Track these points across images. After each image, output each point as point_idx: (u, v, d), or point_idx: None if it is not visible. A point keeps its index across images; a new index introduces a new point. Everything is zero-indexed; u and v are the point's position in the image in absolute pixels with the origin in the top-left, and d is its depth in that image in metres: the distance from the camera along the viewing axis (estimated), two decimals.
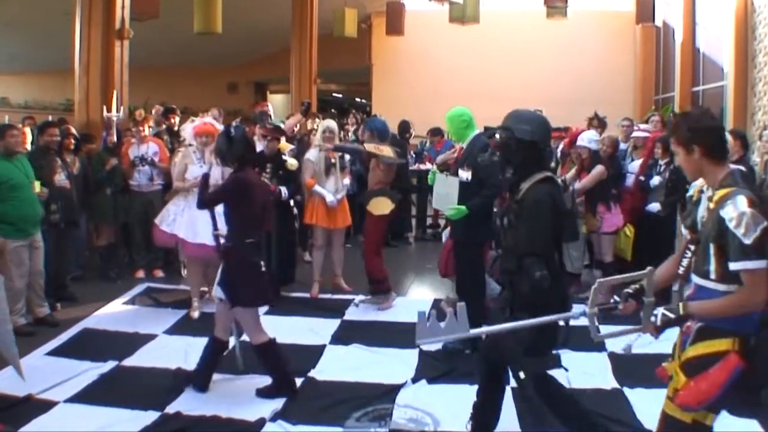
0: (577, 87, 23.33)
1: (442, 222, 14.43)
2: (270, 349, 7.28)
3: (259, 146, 10.34)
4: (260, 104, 11.80)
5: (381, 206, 10.01)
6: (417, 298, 11.09)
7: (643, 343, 8.42)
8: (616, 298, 4.63)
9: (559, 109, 19.10)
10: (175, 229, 9.60)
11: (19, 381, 7.13)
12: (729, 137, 9.61)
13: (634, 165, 11.24)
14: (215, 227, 7.39)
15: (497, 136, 5.77)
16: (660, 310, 4.33)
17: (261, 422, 6.63)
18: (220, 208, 7.27)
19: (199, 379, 7.33)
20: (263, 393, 7.19)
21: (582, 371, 7.81)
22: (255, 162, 7.92)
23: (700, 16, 20.46)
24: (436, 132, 16.18)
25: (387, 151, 10.13)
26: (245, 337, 7.46)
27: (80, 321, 9.42)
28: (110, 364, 8.00)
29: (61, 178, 9.84)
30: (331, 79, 30.38)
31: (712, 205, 4.25)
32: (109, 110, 12.81)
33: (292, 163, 10.62)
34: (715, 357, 4.09)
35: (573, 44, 24.38)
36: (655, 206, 10.40)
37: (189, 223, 9.50)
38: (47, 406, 6.88)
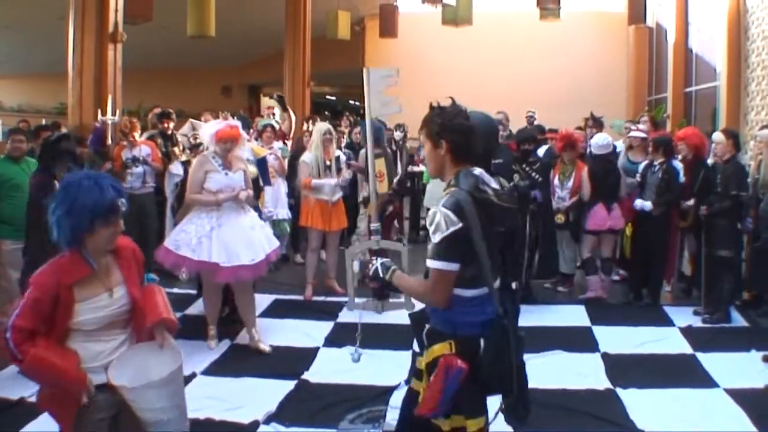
0: (571, 88, 23.46)
1: None
2: None
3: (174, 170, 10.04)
4: (268, 109, 11.85)
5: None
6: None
7: (636, 344, 8.59)
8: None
9: (553, 110, 19.23)
10: (203, 255, 8.18)
11: (12, 384, 7.24)
12: (722, 136, 9.75)
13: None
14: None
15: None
16: (378, 263, 4.50)
17: (254, 424, 6.66)
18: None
19: None
20: None
21: (575, 372, 8.00)
22: None
23: (692, 16, 20.53)
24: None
25: (383, 186, 10.40)
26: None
27: None
28: None
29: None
30: (325, 81, 30.51)
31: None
32: (104, 114, 12.87)
33: (252, 171, 10.03)
34: (437, 361, 4.14)
35: (566, 45, 24.50)
36: (646, 204, 10.39)
37: (223, 246, 8.20)
38: (39, 410, 6.71)
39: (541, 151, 11.76)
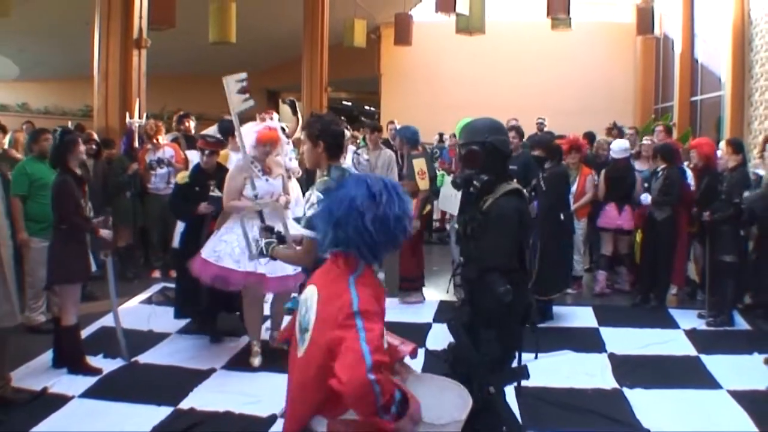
0: (580, 96, 23.49)
1: (448, 226, 14.62)
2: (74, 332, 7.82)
3: (196, 159, 9.85)
4: (266, 111, 11.95)
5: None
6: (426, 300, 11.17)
7: (642, 346, 8.84)
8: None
9: (563, 117, 19.50)
10: (248, 266, 7.68)
11: (36, 376, 7.57)
12: (724, 146, 10.01)
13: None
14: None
15: (458, 150, 6.18)
16: (263, 242, 5.46)
17: (272, 418, 6.75)
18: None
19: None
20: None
21: (582, 372, 8.12)
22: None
23: (698, 28, 20.69)
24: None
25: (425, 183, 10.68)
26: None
27: (98, 319, 9.61)
28: (123, 361, 8.21)
29: None
30: (342, 87, 30.42)
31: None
32: (131, 116, 13.24)
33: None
34: None
35: (576, 55, 24.56)
36: (647, 197, 10.64)
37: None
38: (62, 401, 7.09)
39: None
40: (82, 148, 8.15)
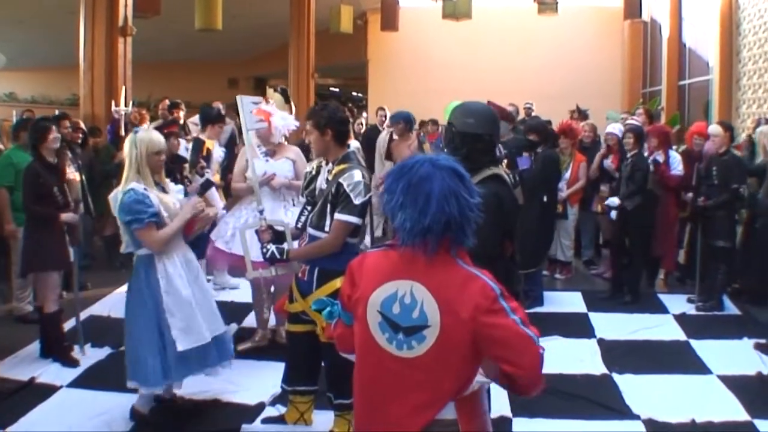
0: (567, 81, 23.35)
1: None
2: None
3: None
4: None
5: None
6: None
7: (632, 331, 8.87)
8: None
9: (550, 102, 19.49)
10: (234, 248, 7.75)
11: (24, 366, 7.55)
12: (719, 129, 9.93)
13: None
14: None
15: (440, 130, 6.32)
16: (272, 247, 5.58)
17: (260, 406, 6.75)
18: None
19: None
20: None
21: (573, 357, 8.11)
22: None
23: (686, 12, 20.61)
24: (433, 123, 16.76)
25: None
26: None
27: (86, 308, 9.40)
28: (112, 349, 8.13)
29: (71, 170, 9.58)
30: (329, 74, 30.38)
31: (330, 177, 5.57)
32: (117, 105, 13.19)
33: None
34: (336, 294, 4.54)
35: (563, 40, 24.46)
36: (614, 201, 10.45)
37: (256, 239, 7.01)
38: (49, 391, 7.06)
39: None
40: (55, 135, 7.97)
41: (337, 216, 5.47)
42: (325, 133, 5.64)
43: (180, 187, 6.57)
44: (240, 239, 6.29)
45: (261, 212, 6.02)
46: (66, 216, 7.81)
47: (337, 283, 4.94)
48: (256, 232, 5.92)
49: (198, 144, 9.54)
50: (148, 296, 5.97)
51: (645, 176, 10.25)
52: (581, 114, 13.73)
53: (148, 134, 6.10)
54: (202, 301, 6.12)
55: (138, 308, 6.07)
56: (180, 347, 5.88)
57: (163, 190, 6.14)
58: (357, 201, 5.43)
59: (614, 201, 10.42)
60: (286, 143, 8.27)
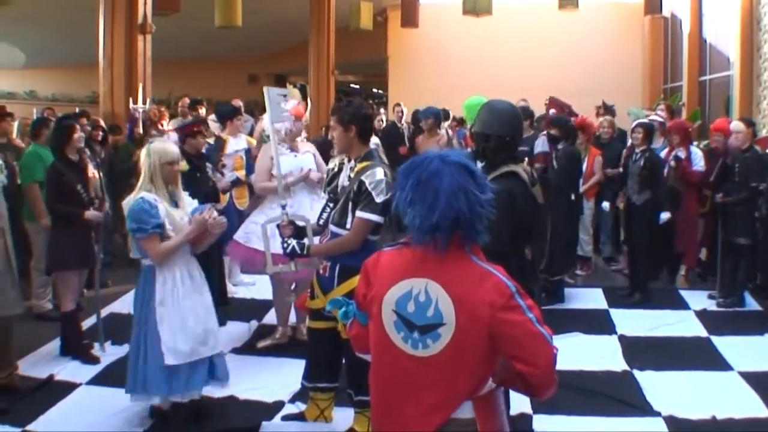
0: (588, 77, 23.22)
1: None
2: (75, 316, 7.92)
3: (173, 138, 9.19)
4: None
5: None
6: None
7: (652, 327, 8.83)
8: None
9: (571, 97, 19.20)
10: (277, 248, 6.78)
11: (43, 364, 7.57)
12: (741, 125, 9.84)
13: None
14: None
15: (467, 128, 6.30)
16: (293, 242, 5.60)
17: (280, 404, 6.77)
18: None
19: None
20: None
21: (593, 354, 8.11)
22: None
23: (706, 7, 20.45)
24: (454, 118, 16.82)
25: None
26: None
27: (106, 305, 9.26)
28: (100, 349, 8.07)
29: (90, 168, 9.17)
30: (349, 70, 30.44)
31: (352, 174, 5.59)
32: (135, 102, 13.22)
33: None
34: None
35: (583, 35, 24.34)
36: (606, 205, 10.49)
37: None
38: (68, 388, 7.09)
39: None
40: (79, 135, 8.10)
41: (359, 213, 5.48)
42: (349, 129, 5.65)
43: (194, 201, 6.47)
44: (261, 233, 6.20)
45: (283, 207, 6.01)
46: (90, 213, 7.85)
47: (354, 281, 4.87)
48: (278, 226, 5.89)
49: (219, 143, 9.59)
50: (143, 305, 5.99)
51: (658, 172, 10.18)
52: (607, 110, 13.64)
53: (162, 144, 6.12)
54: (199, 318, 6.07)
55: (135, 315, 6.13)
56: (167, 361, 5.85)
57: (176, 204, 6.13)
58: (378, 199, 5.42)
59: (607, 205, 10.64)
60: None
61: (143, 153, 6.01)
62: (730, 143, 10.28)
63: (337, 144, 5.88)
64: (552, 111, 13.83)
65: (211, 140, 9.71)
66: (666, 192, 10.16)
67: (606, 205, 10.52)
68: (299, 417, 6.39)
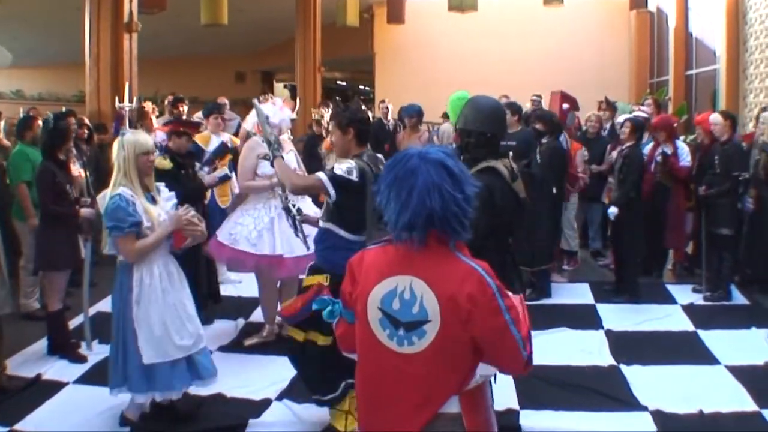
0: (574, 72, 23.15)
1: None
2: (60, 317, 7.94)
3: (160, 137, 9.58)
4: (267, 97, 11.83)
5: None
6: None
7: (639, 322, 8.83)
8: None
9: None
10: (265, 249, 7.80)
11: (31, 363, 7.54)
12: (719, 118, 9.84)
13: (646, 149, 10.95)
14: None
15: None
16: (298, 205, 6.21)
17: (267, 402, 6.76)
18: None
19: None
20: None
21: (580, 349, 8.13)
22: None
23: (692, 1, 20.48)
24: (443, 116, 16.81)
25: None
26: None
27: (93, 305, 9.02)
28: (88, 349, 8.02)
29: (76, 167, 9.20)
30: (336, 67, 30.43)
31: None
32: (121, 101, 13.17)
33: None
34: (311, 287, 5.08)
35: (569, 31, 24.39)
36: (612, 211, 10.04)
37: (285, 236, 7.69)
38: (56, 387, 7.08)
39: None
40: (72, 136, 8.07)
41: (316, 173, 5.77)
42: (347, 132, 5.78)
43: (172, 194, 6.44)
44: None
45: (286, 206, 6.25)
46: (85, 211, 7.83)
47: (316, 278, 5.50)
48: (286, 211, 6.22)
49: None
50: (120, 302, 5.93)
51: (640, 170, 10.01)
52: (609, 106, 13.65)
53: (135, 136, 5.98)
54: (178, 316, 5.99)
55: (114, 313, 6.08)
56: (145, 360, 5.79)
57: (153, 198, 6.03)
58: (337, 171, 5.53)
59: (613, 211, 10.06)
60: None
61: (115, 147, 5.85)
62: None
63: (336, 147, 6.02)
64: (565, 106, 13.88)
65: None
66: (632, 189, 9.89)
67: (613, 210, 10.24)
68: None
